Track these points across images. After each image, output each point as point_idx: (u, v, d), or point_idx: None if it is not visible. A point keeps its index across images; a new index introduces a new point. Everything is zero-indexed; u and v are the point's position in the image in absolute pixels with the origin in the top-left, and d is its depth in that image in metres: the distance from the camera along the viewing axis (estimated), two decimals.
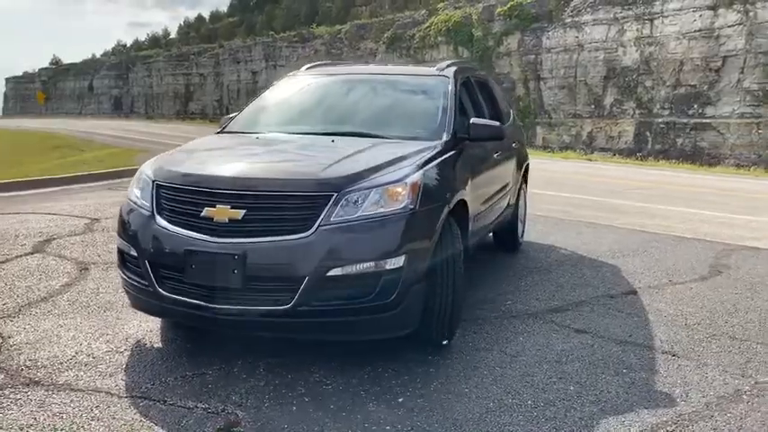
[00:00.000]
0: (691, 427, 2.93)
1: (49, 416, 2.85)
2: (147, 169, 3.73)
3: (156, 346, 3.74)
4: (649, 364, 3.66)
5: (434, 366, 3.53)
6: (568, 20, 27.43)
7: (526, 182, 6.74)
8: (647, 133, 24.43)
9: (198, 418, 2.87)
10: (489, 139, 4.43)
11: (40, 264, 5.32)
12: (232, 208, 3.26)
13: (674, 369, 3.60)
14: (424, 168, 3.61)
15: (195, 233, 3.29)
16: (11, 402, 2.96)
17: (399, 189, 3.38)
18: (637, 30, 24.83)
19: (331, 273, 3.17)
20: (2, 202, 8.40)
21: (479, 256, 6.26)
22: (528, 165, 6.61)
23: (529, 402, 3.13)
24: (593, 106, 26.43)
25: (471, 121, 4.32)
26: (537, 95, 28.65)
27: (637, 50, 24.86)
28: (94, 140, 22.05)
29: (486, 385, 3.31)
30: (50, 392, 3.08)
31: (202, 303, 3.27)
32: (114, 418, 2.85)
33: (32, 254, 5.62)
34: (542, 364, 3.61)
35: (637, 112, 24.83)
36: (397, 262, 3.27)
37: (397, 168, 3.54)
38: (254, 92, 52.60)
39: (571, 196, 11.07)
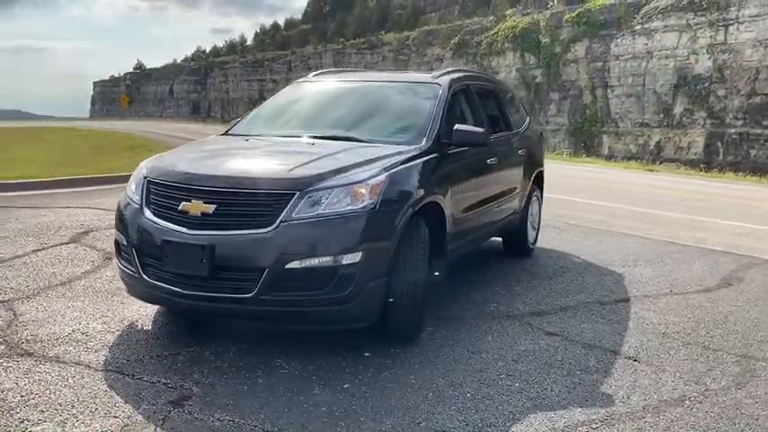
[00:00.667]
0: (616, 426, 3.02)
1: (29, 382, 3.22)
2: (143, 167, 4.10)
3: (145, 328, 4.09)
4: (606, 367, 3.73)
5: (392, 358, 3.72)
6: (638, 26, 26.80)
7: (540, 189, 6.80)
8: (719, 144, 23.57)
9: (156, 391, 3.18)
10: (473, 144, 4.59)
11: (71, 253, 5.82)
12: (205, 203, 3.57)
13: (629, 373, 3.66)
14: (391, 171, 3.82)
15: (173, 225, 3.62)
16: (1, 369, 3.36)
17: (361, 190, 3.61)
18: (710, 37, 24.02)
19: (290, 265, 3.43)
20: (64, 197, 9.08)
21: (487, 259, 6.40)
22: (541, 172, 6.67)
23: (468, 395, 3.29)
24: (661, 115, 25.70)
25: (455, 128, 4.49)
26: (604, 103, 28.09)
27: (709, 58, 24.03)
28: (167, 142, 23.13)
29: (434, 378, 3.48)
30: (38, 363, 3.46)
31: (178, 289, 3.59)
32: (83, 387, 3.19)
33: (68, 244, 6.14)
34: (499, 361, 3.75)
35: (708, 122, 23.99)
36: (354, 258, 3.50)
37: (363, 170, 3.76)
38: None
39: (614, 206, 10.93)
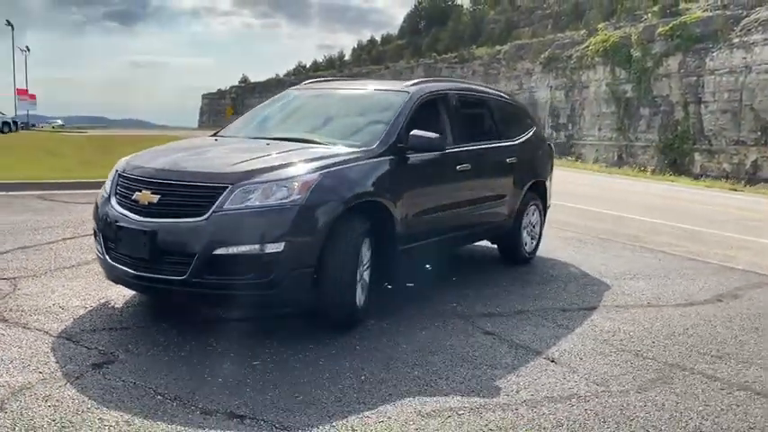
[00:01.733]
0: (484, 414, 3.15)
1: None
2: (119, 162, 4.61)
3: (116, 306, 4.58)
4: (518, 364, 3.84)
5: (320, 345, 3.97)
6: (736, 39, 25.58)
7: (542, 199, 6.82)
8: None
9: (87, 356, 3.62)
10: (428, 149, 4.79)
11: (92, 242, 6.46)
12: (152, 193, 4.01)
13: (537, 371, 3.75)
14: (327, 170, 4.13)
15: (128, 212, 4.09)
16: None
17: (292, 185, 3.93)
18: None
19: (217, 251, 3.80)
20: None
21: (481, 263, 6.54)
22: (539, 182, 6.70)
23: (362, 378, 3.51)
24: (759, 133, 24.35)
25: (411, 133, 4.72)
26: (696, 120, 26.92)
27: None
28: None
29: (341, 361, 3.72)
30: (7, 328, 4.00)
31: (130, 270, 4.05)
32: (30, 348, 3.69)
33: (93, 235, 6.80)
34: (416, 352, 3.93)
35: None
36: (277, 247, 3.82)
37: (299, 168, 4.09)
38: None
39: (659, 222, 10.66)
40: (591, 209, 11.82)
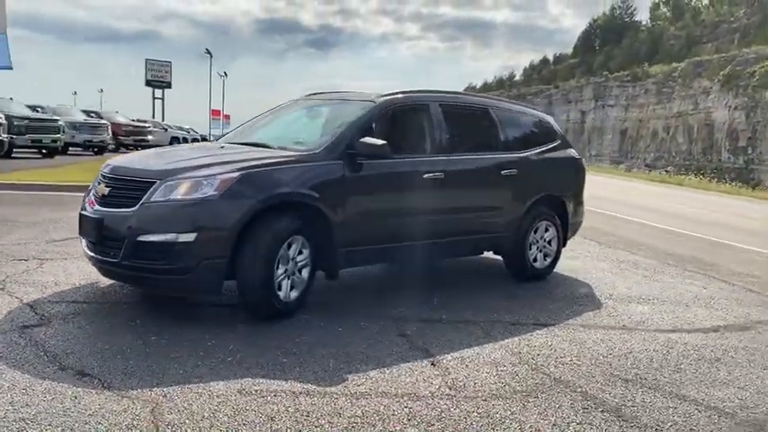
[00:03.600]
0: (303, 398, 3.31)
1: None
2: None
3: (100, 286, 5.27)
4: (392, 362, 3.90)
5: (233, 330, 4.33)
6: None
7: (559, 216, 6.57)
8: None
9: (27, 317, 4.30)
10: (375, 156, 4.95)
11: None
12: (105, 187, 4.65)
13: (396, 369, 3.78)
14: (250, 170, 4.50)
15: (92, 203, 4.76)
16: None
17: (211, 182, 4.36)
18: None
19: (140, 238, 4.32)
20: None
21: (482, 275, 6.49)
22: (553, 198, 6.48)
23: (229, 358, 3.81)
24: None
25: (359, 140, 4.92)
26: None
27: None
28: None
29: (238, 343, 4.06)
30: None
31: (90, 253, 4.71)
32: (1, 313, 4.44)
33: None
34: (308, 344, 4.14)
35: None
36: (189, 237, 4.26)
37: (224, 168, 4.50)
38: (581, 132, 52.20)
39: (739, 246, 9.61)
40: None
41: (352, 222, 4.92)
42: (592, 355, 4.32)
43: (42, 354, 3.73)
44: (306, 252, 4.75)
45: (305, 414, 3.16)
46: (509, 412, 3.33)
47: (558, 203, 6.59)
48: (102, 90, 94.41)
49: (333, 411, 3.21)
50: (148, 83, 49.09)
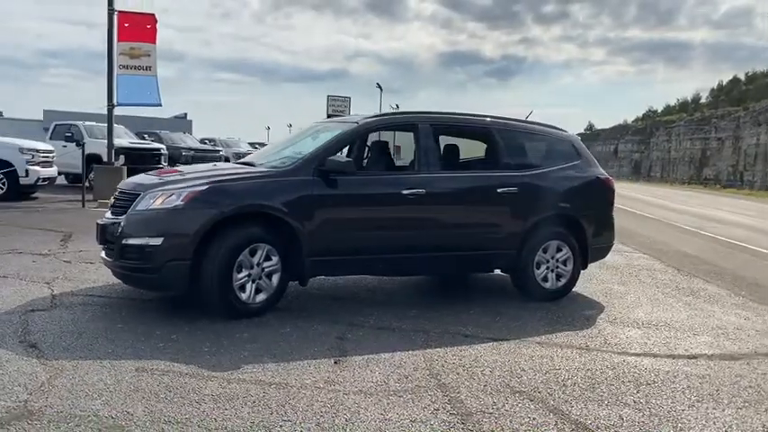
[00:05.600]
0: (163, 377, 3.77)
1: None
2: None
3: (123, 285, 6.13)
4: (293, 358, 4.21)
5: (190, 326, 4.90)
6: None
7: (576, 236, 6.38)
8: None
9: (45, 305, 5.22)
10: (340, 172, 5.32)
11: None
12: (114, 199, 5.51)
13: (280, 360, 4.09)
14: (218, 183, 5.11)
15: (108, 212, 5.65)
16: None
17: (181, 194, 5.02)
18: None
19: (125, 242, 5.08)
20: None
21: (490, 288, 6.52)
22: (568, 218, 6.33)
23: (160, 344, 4.38)
24: None
25: (326, 158, 5.34)
26: None
27: None
28: None
29: (179, 329, 4.63)
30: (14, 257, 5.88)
31: (102, 256, 5.59)
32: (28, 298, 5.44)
33: None
34: (231, 338, 4.58)
35: None
36: (156, 241, 4.94)
37: (198, 181, 5.14)
38: None
39: None
40: None
41: (320, 234, 5.30)
42: (509, 368, 4.28)
43: (20, 330, 4.57)
44: (275, 259, 5.22)
45: (171, 389, 3.61)
46: (365, 405, 3.53)
47: (573, 223, 6.41)
48: (290, 125, 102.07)
49: (195, 389, 3.63)
50: (329, 116, 52.71)
